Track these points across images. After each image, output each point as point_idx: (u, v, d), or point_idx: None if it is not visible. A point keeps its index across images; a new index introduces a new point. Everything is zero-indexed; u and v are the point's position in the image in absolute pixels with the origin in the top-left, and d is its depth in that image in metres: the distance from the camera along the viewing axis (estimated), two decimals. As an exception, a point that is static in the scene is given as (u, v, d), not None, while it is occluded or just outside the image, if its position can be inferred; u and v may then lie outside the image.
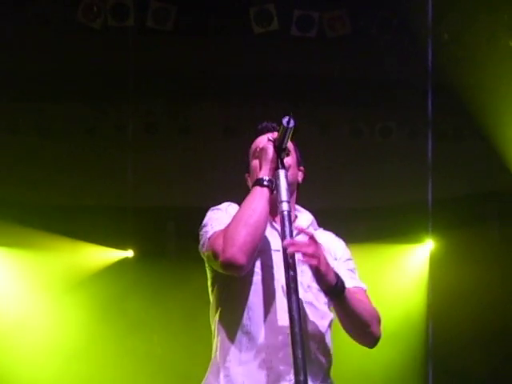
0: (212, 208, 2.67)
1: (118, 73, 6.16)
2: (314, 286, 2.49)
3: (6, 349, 6.16)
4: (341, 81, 6.20)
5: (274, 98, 6.09)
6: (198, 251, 2.62)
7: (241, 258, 2.35)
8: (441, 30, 5.99)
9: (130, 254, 6.71)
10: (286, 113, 2.39)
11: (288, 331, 2.36)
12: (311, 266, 2.29)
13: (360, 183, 6.52)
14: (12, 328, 6.25)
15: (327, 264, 2.31)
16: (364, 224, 6.70)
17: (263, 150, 2.50)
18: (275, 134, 2.50)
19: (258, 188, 2.45)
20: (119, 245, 6.66)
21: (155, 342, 6.49)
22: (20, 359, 6.13)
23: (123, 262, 6.67)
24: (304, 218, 2.72)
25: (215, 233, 2.47)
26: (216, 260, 2.41)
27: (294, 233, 2.39)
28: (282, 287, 2.41)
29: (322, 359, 2.53)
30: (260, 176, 2.47)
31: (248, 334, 2.47)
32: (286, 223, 2.31)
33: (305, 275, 2.45)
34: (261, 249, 2.46)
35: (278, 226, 2.55)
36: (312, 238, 2.30)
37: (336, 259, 2.66)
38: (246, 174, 2.72)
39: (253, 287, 2.49)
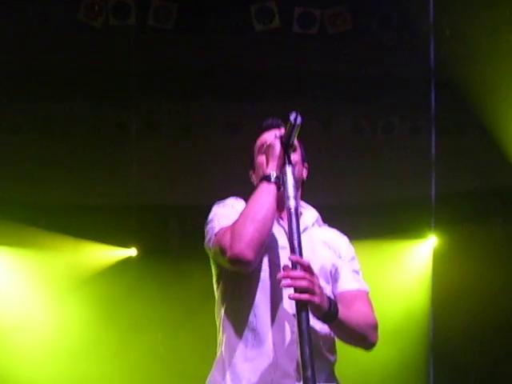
0: (218, 202, 2.68)
1: (120, 71, 6.15)
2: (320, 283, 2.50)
3: (9, 348, 6.16)
4: (343, 77, 6.19)
5: (275, 95, 6.09)
6: (201, 249, 2.63)
7: (249, 254, 2.35)
8: (442, 25, 5.98)
9: (133, 252, 6.71)
10: (290, 110, 2.39)
11: (294, 328, 2.37)
12: (304, 300, 2.22)
13: (362, 179, 6.52)
14: (16, 327, 6.25)
15: (321, 294, 2.25)
16: (367, 220, 6.69)
17: (270, 146, 2.50)
18: (282, 131, 2.51)
19: (265, 184, 2.46)
20: (122, 243, 6.66)
21: (159, 340, 6.48)
22: (23, 358, 6.12)
23: (127, 261, 6.67)
24: (309, 215, 2.73)
25: (222, 228, 2.47)
26: (224, 256, 2.41)
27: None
28: None
29: (328, 356, 2.54)
30: (267, 172, 2.47)
31: (254, 330, 2.48)
32: (293, 220, 2.30)
33: None
34: (267, 246, 2.46)
35: (285, 223, 2.56)
36: (308, 267, 2.24)
37: (340, 257, 2.68)
38: (251, 171, 2.72)
39: (259, 284, 2.50)
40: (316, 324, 2.40)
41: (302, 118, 2.36)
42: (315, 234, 2.68)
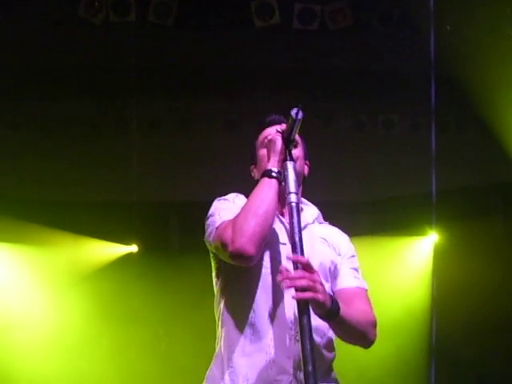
0: (218, 198, 2.67)
1: (120, 68, 6.15)
2: None
3: (10, 344, 6.17)
4: (343, 73, 6.19)
5: (276, 91, 6.09)
6: (202, 245, 2.62)
7: (250, 249, 2.34)
8: (442, 22, 5.97)
9: (134, 248, 6.72)
10: (290, 106, 2.39)
11: (293, 325, 2.39)
12: (307, 299, 2.20)
13: (363, 176, 6.52)
14: (16, 323, 6.26)
15: (324, 291, 2.23)
16: (367, 216, 6.70)
17: (272, 141, 2.50)
18: (283, 126, 2.51)
19: (266, 179, 2.46)
20: (123, 240, 6.67)
21: (160, 336, 6.50)
22: (23, 354, 6.14)
23: (127, 257, 6.68)
24: (310, 212, 2.73)
25: (224, 222, 2.47)
26: (225, 250, 2.40)
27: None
28: None
29: (326, 353, 2.53)
30: (268, 167, 2.47)
31: (253, 325, 2.47)
32: (295, 215, 2.29)
33: None
34: (268, 241, 2.46)
35: (285, 219, 2.57)
36: (307, 265, 2.21)
37: (340, 255, 2.67)
38: (252, 166, 2.72)
39: (259, 280, 2.49)
40: (313, 321, 2.40)
41: (304, 114, 2.36)
42: (315, 230, 2.67)
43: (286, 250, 2.49)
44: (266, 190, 2.43)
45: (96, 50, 6.04)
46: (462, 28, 5.86)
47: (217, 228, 2.48)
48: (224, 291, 2.59)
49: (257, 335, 2.46)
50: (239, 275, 2.51)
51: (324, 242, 2.65)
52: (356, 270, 2.68)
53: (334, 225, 2.81)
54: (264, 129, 2.70)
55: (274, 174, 2.45)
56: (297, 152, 2.57)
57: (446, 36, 5.99)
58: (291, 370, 2.43)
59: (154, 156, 6.48)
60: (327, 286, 2.56)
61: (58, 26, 5.92)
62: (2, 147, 6.10)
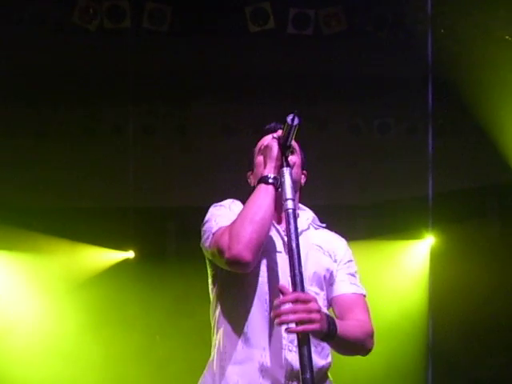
0: (215, 204, 2.66)
1: (115, 74, 6.15)
2: (312, 289, 2.51)
3: (7, 350, 6.16)
4: (338, 78, 6.20)
5: (271, 96, 6.09)
6: (199, 251, 2.61)
7: (247, 256, 2.33)
8: (437, 25, 5.98)
9: (130, 254, 6.71)
10: (285, 111, 2.38)
11: (286, 335, 2.38)
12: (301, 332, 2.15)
13: (359, 180, 6.53)
14: (14, 330, 6.25)
15: (320, 319, 2.18)
16: (364, 220, 6.70)
17: (268, 147, 2.49)
18: (279, 132, 2.50)
19: (263, 185, 2.45)
20: (120, 246, 6.66)
21: (157, 343, 6.49)
22: (20, 361, 6.12)
23: (124, 263, 6.67)
24: (305, 217, 2.72)
25: (220, 228, 2.46)
26: (221, 257, 2.39)
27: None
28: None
29: (319, 361, 2.50)
30: (265, 174, 2.46)
31: (246, 334, 2.46)
32: (291, 221, 2.28)
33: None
34: (264, 250, 2.45)
35: (281, 227, 2.57)
36: (299, 297, 2.15)
37: (336, 261, 2.66)
38: (249, 172, 2.72)
39: (254, 288, 2.48)
40: None
41: (300, 120, 2.35)
42: (311, 237, 2.66)
43: (281, 258, 2.48)
44: (263, 196, 2.42)
45: (91, 56, 6.05)
46: (457, 31, 5.88)
47: (213, 234, 2.47)
48: (220, 298, 2.59)
49: (250, 344, 2.45)
50: (235, 282, 2.50)
51: (319, 249, 2.64)
52: (353, 275, 2.66)
53: (330, 229, 2.80)
54: (263, 136, 2.70)
55: (270, 181, 2.44)
56: (293, 158, 2.57)
57: (441, 39, 6.00)
58: (283, 380, 2.41)
59: (151, 162, 6.48)
60: (322, 296, 2.56)
61: (53, 32, 5.92)
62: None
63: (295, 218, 2.30)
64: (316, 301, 2.20)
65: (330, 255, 2.65)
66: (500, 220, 6.79)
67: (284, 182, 2.38)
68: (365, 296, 2.65)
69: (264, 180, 2.45)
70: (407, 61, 6.07)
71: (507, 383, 6.15)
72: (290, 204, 2.32)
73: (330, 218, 2.87)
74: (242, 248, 2.33)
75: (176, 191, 6.55)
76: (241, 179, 2.79)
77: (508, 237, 6.46)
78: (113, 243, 6.60)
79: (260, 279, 2.48)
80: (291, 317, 2.13)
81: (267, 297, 2.46)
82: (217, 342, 2.55)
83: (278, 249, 2.53)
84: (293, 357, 2.38)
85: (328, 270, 2.61)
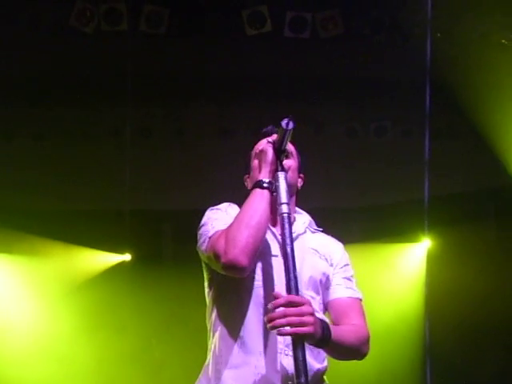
0: (211, 208, 2.66)
1: (113, 76, 6.15)
2: (308, 293, 2.50)
3: (2, 353, 6.15)
4: (335, 81, 6.20)
5: (268, 98, 6.10)
6: (195, 254, 2.61)
7: (243, 260, 2.33)
8: (434, 28, 5.99)
9: (127, 257, 6.70)
10: (282, 114, 2.39)
11: (281, 339, 2.37)
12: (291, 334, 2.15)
13: (355, 183, 6.53)
14: (9, 332, 6.24)
15: (313, 323, 2.17)
16: (360, 223, 6.70)
17: (263, 152, 2.49)
18: (274, 136, 2.50)
19: (258, 190, 2.45)
20: (116, 249, 6.66)
21: (153, 346, 6.48)
22: (16, 363, 6.12)
23: (120, 266, 6.67)
24: (301, 221, 2.71)
25: (216, 232, 2.46)
26: (217, 261, 2.39)
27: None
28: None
29: (315, 365, 2.49)
30: (260, 178, 2.46)
31: (242, 338, 2.46)
32: (286, 225, 2.28)
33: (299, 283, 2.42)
34: (260, 253, 2.44)
35: (277, 230, 2.56)
36: (291, 301, 2.16)
37: (332, 265, 2.65)
38: (246, 176, 2.71)
39: (250, 292, 2.48)
40: None
41: (294, 124, 2.35)
42: (307, 241, 2.65)
43: (277, 262, 2.48)
44: (258, 200, 2.42)
45: (89, 59, 6.05)
46: (453, 35, 5.89)
47: (209, 238, 2.47)
48: (216, 302, 2.58)
49: (245, 348, 2.45)
50: (231, 286, 2.49)
51: (315, 253, 2.63)
52: (349, 279, 2.66)
53: (327, 233, 2.79)
54: (260, 139, 2.69)
55: (265, 185, 2.44)
56: (289, 162, 2.57)
57: (438, 43, 6.01)
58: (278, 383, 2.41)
59: (147, 164, 6.48)
60: (318, 300, 2.56)
61: (50, 35, 5.91)
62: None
63: (290, 222, 2.30)
64: (310, 304, 2.20)
65: (327, 259, 2.65)
66: (496, 223, 6.81)
67: (279, 186, 2.37)
68: (361, 300, 2.64)
69: (259, 184, 2.45)
70: (404, 64, 6.07)
71: (504, 383, 6.16)
72: (284, 208, 2.31)
73: (326, 221, 2.87)
74: (238, 252, 2.33)
75: (172, 193, 6.55)
76: (238, 182, 2.78)
77: (504, 240, 6.47)
78: (109, 246, 6.61)
79: (255, 283, 2.48)
80: (283, 320, 2.13)
81: (263, 301, 2.46)
82: (213, 346, 2.54)
83: (274, 252, 2.53)
84: (288, 361, 2.37)
85: (324, 274, 2.61)
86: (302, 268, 2.40)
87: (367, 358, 2.56)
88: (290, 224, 2.30)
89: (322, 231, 2.78)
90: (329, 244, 2.73)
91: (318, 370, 2.51)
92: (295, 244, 2.31)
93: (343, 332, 2.41)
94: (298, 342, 2.14)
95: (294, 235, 2.37)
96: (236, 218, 2.43)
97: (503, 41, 5.72)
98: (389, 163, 6.52)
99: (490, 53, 5.70)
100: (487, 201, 6.81)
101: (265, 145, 2.50)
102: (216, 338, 2.53)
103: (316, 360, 2.49)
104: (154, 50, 6.11)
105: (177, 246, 6.68)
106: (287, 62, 6.11)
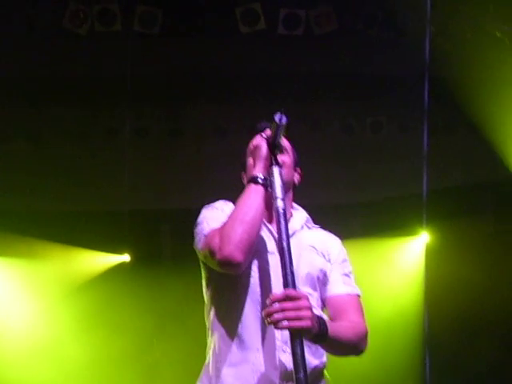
0: (206, 206, 2.66)
1: (109, 77, 6.15)
2: (305, 290, 2.49)
3: (1, 354, 6.15)
4: (330, 77, 6.20)
5: (263, 96, 6.10)
6: (194, 253, 2.61)
7: (238, 256, 2.33)
8: (428, 23, 5.99)
9: (126, 258, 6.70)
10: (277, 110, 2.38)
11: (279, 336, 2.38)
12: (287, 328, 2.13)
13: (352, 178, 6.53)
14: (8, 334, 6.24)
15: (310, 318, 2.14)
16: (358, 219, 6.70)
17: (257, 147, 2.48)
18: (268, 132, 2.49)
19: (252, 185, 2.44)
20: (115, 249, 6.66)
21: (154, 346, 6.48)
22: (16, 365, 6.12)
23: (120, 267, 6.67)
24: (298, 218, 2.70)
25: (212, 230, 2.46)
26: (213, 258, 2.39)
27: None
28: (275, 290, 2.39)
29: (313, 360, 2.49)
30: (254, 173, 2.45)
31: (240, 336, 2.46)
32: (282, 221, 2.26)
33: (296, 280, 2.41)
34: (256, 251, 2.45)
35: (273, 227, 2.55)
36: (288, 295, 2.13)
37: (330, 261, 2.64)
38: (243, 173, 2.71)
39: (247, 289, 2.48)
40: None
41: (287, 118, 2.34)
42: (304, 237, 2.65)
43: (273, 259, 2.47)
44: (253, 196, 2.42)
45: (83, 60, 6.05)
46: (446, 29, 5.89)
47: (205, 236, 2.47)
48: (213, 300, 2.59)
49: (244, 346, 2.45)
50: (228, 284, 2.50)
51: (312, 249, 2.63)
52: (347, 275, 2.65)
53: (325, 229, 2.79)
54: (254, 135, 2.69)
55: (259, 180, 2.43)
56: (283, 158, 2.56)
57: (434, 37, 6.01)
58: (278, 381, 2.41)
59: (145, 165, 6.48)
60: (315, 296, 2.56)
61: (44, 37, 5.91)
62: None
63: (285, 216, 2.28)
64: (307, 298, 2.18)
65: (324, 255, 2.64)
66: (494, 217, 6.81)
67: (273, 180, 2.36)
68: (359, 296, 2.63)
69: (253, 180, 2.44)
70: (398, 59, 6.08)
71: (503, 378, 6.16)
72: (279, 202, 2.29)
73: (324, 217, 2.86)
74: (232, 248, 2.32)
75: (171, 193, 6.55)
76: (235, 180, 2.78)
77: (502, 233, 6.48)
78: (108, 247, 6.60)
79: (252, 280, 2.48)
80: (280, 314, 2.11)
81: (260, 298, 2.46)
82: (212, 345, 2.55)
83: (270, 249, 2.52)
84: (287, 357, 2.37)
85: (321, 270, 2.60)
86: (298, 265, 2.40)
87: (366, 352, 2.56)
88: (286, 219, 2.28)
89: (320, 227, 2.77)
90: (326, 240, 2.72)
91: (317, 366, 2.50)
92: (292, 241, 2.29)
93: (340, 328, 2.40)
94: (296, 337, 2.13)
95: (290, 232, 2.36)
96: (230, 214, 2.43)
97: (497, 33, 5.72)
98: (386, 158, 6.52)
99: (486, 47, 5.69)
100: (485, 194, 6.80)
101: (258, 140, 2.49)
102: (215, 336, 2.53)
103: (314, 356, 2.49)
104: (148, 50, 6.11)
105: (176, 246, 6.67)
106: (282, 60, 6.11)
